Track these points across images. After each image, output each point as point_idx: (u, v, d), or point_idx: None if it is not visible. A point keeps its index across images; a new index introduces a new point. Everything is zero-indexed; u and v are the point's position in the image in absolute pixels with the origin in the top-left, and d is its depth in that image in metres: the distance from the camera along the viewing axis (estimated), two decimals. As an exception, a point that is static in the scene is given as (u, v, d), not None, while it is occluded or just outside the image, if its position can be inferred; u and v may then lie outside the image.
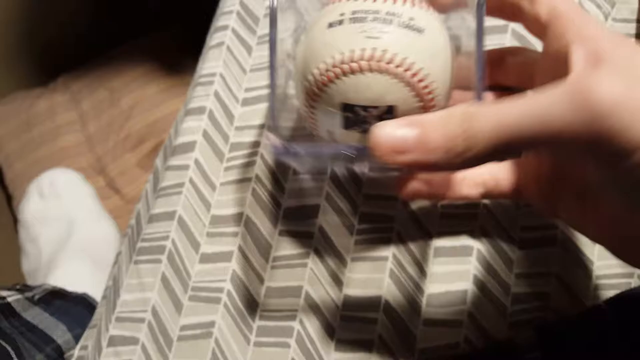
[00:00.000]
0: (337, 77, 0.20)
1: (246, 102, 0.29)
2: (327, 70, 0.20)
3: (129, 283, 0.28)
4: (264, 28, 0.30)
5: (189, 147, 0.29)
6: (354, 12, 0.19)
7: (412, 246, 0.26)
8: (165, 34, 0.75)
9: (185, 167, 0.29)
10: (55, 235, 0.52)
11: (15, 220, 0.61)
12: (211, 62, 0.31)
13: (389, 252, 0.26)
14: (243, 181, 0.28)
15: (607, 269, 0.25)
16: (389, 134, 0.17)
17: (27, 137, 0.69)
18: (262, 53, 0.30)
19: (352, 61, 0.19)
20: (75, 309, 0.38)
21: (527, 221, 0.26)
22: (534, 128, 0.16)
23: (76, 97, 0.72)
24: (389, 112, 0.20)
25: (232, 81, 0.30)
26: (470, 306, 0.25)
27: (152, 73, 0.72)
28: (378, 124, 0.18)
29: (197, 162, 0.29)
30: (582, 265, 0.25)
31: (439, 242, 0.26)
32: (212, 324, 0.26)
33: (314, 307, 0.25)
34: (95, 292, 0.42)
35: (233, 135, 0.29)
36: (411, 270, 0.25)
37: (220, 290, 0.26)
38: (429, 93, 0.20)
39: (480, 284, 0.25)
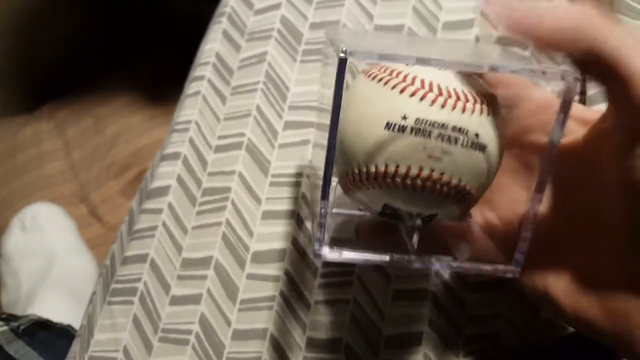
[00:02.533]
0: (387, 185, 0.19)
1: (219, 148, 0.31)
2: (375, 176, 0.18)
3: (102, 323, 0.29)
4: (237, 79, 0.32)
5: (163, 191, 0.30)
6: (417, 121, 0.17)
7: (372, 289, 0.27)
8: (150, 63, 0.77)
9: (159, 211, 0.30)
10: (36, 268, 0.52)
11: (-4, 248, 0.61)
12: (187, 109, 0.32)
13: (350, 295, 0.27)
14: (214, 225, 0.29)
15: None
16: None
17: (11, 164, 0.70)
18: (235, 103, 0.32)
19: (407, 177, 0.18)
20: (59, 343, 0.39)
21: None
22: None
23: (61, 124, 0.73)
24: (430, 217, 0.20)
25: (207, 129, 0.31)
26: (426, 347, 0.26)
27: (137, 102, 0.74)
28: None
29: (170, 206, 0.30)
30: (530, 306, 0.27)
31: (398, 286, 0.27)
32: (180, 364, 0.27)
33: (278, 349, 0.27)
34: (74, 325, 0.42)
35: (206, 181, 0.30)
36: (371, 312, 0.27)
37: (188, 332, 0.27)
38: (472, 202, 0.20)
39: (435, 326, 0.27)
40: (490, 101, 0.19)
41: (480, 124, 0.18)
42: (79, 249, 0.57)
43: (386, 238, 0.23)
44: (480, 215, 0.23)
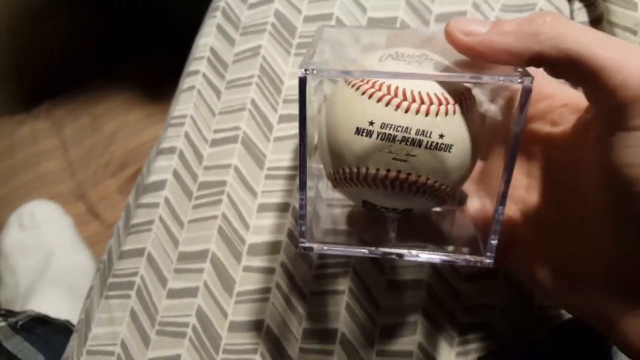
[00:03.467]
0: (360, 184, 0.20)
1: (215, 142, 0.31)
2: (349, 176, 0.20)
3: (100, 317, 0.29)
4: (232, 73, 0.32)
5: (159, 185, 0.31)
6: (383, 125, 0.19)
7: (367, 280, 0.27)
8: (147, 61, 0.77)
9: (156, 205, 0.30)
10: (34, 266, 0.53)
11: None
12: (182, 104, 0.32)
13: (345, 285, 0.27)
14: (210, 219, 0.29)
15: (547, 300, 0.27)
16: (463, 28, 0.19)
17: (8, 163, 0.70)
18: (230, 97, 0.32)
19: (375, 177, 0.19)
20: (57, 338, 0.39)
21: None
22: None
23: (59, 123, 0.73)
24: (407, 211, 0.21)
25: (202, 123, 0.32)
26: (421, 337, 0.27)
27: (134, 100, 0.74)
28: (453, 20, 0.19)
29: (167, 200, 0.30)
30: (523, 296, 0.27)
31: (392, 276, 0.28)
32: (177, 357, 0.27)
33: (274, 341, 0.27)
34: (72, 321, 0.42)
35: (202, 175, 0.31)
36: (366, 303, 0.27)
37: (186, 325, 0.27)
38: (446, 197, 0.21)
39: (429, 316, 0.27)
40: (463, 99, 0.19)
41: (446, 125, 0.19)
42: (77, 246, 0.57)
43: (376, 227, 0.23)
44: (477, 200, 0.23)
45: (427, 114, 0.18)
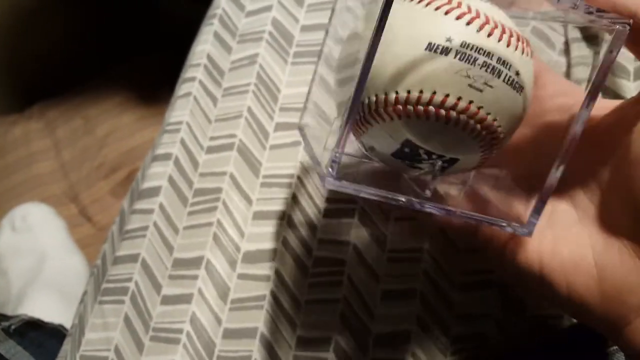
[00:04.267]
0: (417, 115, 0.17)
1: (210, 149, 0.31)
2: (407, 102, 0.16)
3: (94, 322, 0.29)
4: (229, 81, 0.32)
5: (154, 191, 0.31)
6: (463, 44, 0.16)
7: (362, 289, 0.28)
8: (140, 63, 0.77)
9: (150, 211, 0.30)
10: (26, 268, 0.52)
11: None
12: (178, 111, 0.32)
13: (340, 294, 0.28)
14: (205, 225, 0.29)
15: (539, 310, 0.27)
16: None
17: (0, 165, 0.69)
18: (226, 104, 0.32)
19: (442, 106, 0.16)
20: (50, 342, 0.39)
21: (466, 265, 0.28)
22: None
23: (51, 124, 0.73)
24: (451, 162, 0.18)
25: (198, 130, 0.32)
26: (414, 346, 0.27)
27: (127, 102, 0.74)
28: None
29: (161, 206, 0.30)
30: (517, 306, 0.27)
31: (386, 286, 0.28)
32: (171, 363, 0.27)
33: (268, 348, 0.27)
34: (65, 325, 0.42)
35: (197, 181, 0.31)
36: (360, 311, 0.27)
37: (180, 331, 0.27)
38: (497, 147, 0.18)
39: (423, 325, 0.27)
40: (529, 43, 0.18)
41: (521, 63, 0.17)
42: (70, 249, 0.57)
43: (390, 186, 0.21)
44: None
45: (508, 45, 0.16)
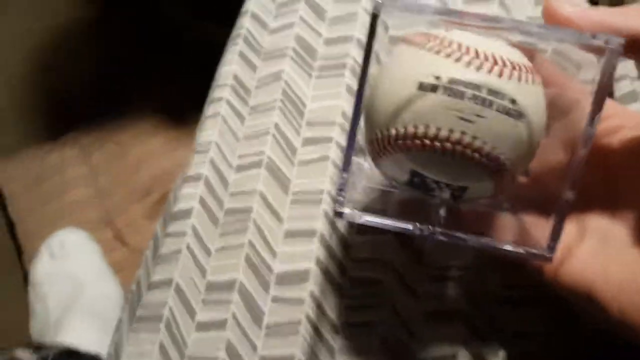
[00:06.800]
0: (416, 149, 0.18)
1: (240, 168, 0.31)
2: (405, 137, 0.18)
3: (129, 350, 0.28)
4: (255, 99, 0.32)
5: (186, 213, 0.30)
6: (451, 81, 0.17)
7: (402, 311, 0.26)
8: (169, 87, 0.78)
9: (183, 234, 0.30)
10: (64, 295, 0.53)
11: (26, 275, 0.63)
12: (207, 131, 0.32)
13: (380, 316, 0.26)
14: (237, 247, 0.29)
15: (589, 326, 0.25)
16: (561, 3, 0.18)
17: (38, 192, 0.71)
18: (253, 122, 0.32)
19: (436, 139, 0.17)
20: None
21: (510, 280, 0.26)
22: None
23: (86, 151, 0.75)
24: (461, 190, 0.19)
25: (227, 149, 0.31)
26: None
27: (159, 125, 0.75)
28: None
29: (194, 228, 0.30)
30: (567, 325, 0.25)
31: (429, 307, 0.26)
32: (207, 392, 0.26)
33: None
34: (102, 352, 0.42)
35: (227, 201, 0.30)
36: (401, 334, 0.26)
37: (215, 359, 0.27)
38: (506, 177, 0.19)
39: (469, 347, 0.25)
40: (532, 71, 0.18)
41: (518, 91, 0.17)
42: (106, 275, 0.57)
43: (415, 216, 0.22)
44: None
45: (500, 75, 0.17)
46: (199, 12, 0.78)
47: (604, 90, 0.17)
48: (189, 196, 0.31)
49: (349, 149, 0.18)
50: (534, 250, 0.19)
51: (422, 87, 0.17)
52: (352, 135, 0.18)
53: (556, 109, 0.20)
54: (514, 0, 0.31)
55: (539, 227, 0.20)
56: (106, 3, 0.85)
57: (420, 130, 0.17)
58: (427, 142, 0.18)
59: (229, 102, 0.32)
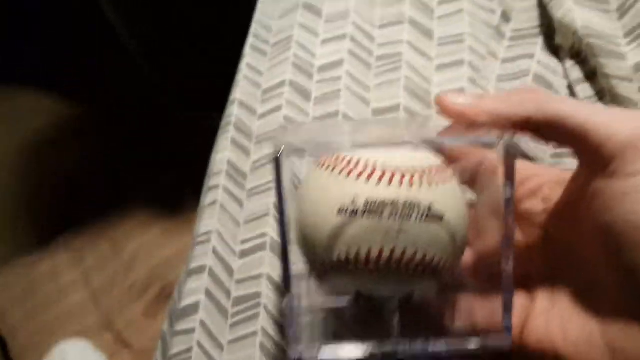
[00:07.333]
0: (350, 272, 0.18)
1: (244, 253, 0.30)
2: (339, 264, 0.18)
3: None
4: (252, 182, 0.33)
5: (193, 309, 0.29)
6: (367, 203, 0.18)
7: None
8: (159, 179, 0.79)
9: (192, 331, 0.29)
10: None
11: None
12: (206, 220, 0.32)
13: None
14: (249, 336, 0.28)
15: None
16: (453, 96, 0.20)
17: (30, 304, 0.69)
18: (252, 205, 0.32)
19: (368, 260, 0.18)
20: None
21: None
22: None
23: (78, 254, 0.74)
24: (408, 296, 0.20)
25: (228, 236, 0.31)
26: None
27: (153, 217, 0.75)
28: (442, 92, 0.20)
29: (202, 323, 0.29)
30: None
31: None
32: None
33: None
34: None
35: (234, 290, 0.29)
36: None
37: None
38: (445, 273, 0.19)
39: None
40: (442, 170, 0.19)
41: (432, 195, 0.18)
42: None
43: (373, 326, 0.22)
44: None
45: (411, 185, 0.18)
46: (190, 101, 0.80)
47: (511, 169, 0.18)
48: (194, 290, 0.30)
49: (287, 285, 0.19)
50: (491, 339, 0.19)
51: (343, 213, 0.18)
52: (287, 276, 0.19)
53: (479, 179, 0.21)
54: (484, 63, 0.33)
55: (489, 304, 0.20)
56: (91, 95, 0.87)
57: (352, 255, 0.18)
58: (361, 265, 0.18)
59: (225, 189, 0.33)
